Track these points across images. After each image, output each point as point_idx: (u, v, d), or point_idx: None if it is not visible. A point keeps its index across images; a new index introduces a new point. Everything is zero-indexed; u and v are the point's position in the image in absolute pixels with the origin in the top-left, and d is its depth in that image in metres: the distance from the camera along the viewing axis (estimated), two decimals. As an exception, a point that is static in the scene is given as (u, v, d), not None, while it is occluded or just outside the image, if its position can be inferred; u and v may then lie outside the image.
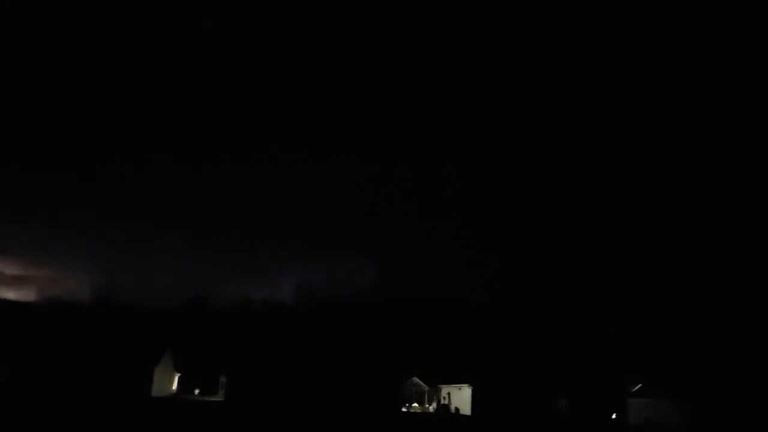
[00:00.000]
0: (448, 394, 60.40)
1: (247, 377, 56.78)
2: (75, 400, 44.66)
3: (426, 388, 62.32)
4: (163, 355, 57.96)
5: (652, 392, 55.15)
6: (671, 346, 68.63)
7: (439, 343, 73.62)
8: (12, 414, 32.85)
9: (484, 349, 69.50)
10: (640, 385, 56.53)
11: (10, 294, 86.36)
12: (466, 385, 57.41)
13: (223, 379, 61.27)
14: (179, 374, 64.36)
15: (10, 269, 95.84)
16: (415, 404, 60.79)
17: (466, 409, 56.66)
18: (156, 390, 55.44)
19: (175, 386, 63.67)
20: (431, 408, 60.84)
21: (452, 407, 58.45)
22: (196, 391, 64.41)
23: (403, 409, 57.84)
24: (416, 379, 61.65)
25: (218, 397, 59.69)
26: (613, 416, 57.12)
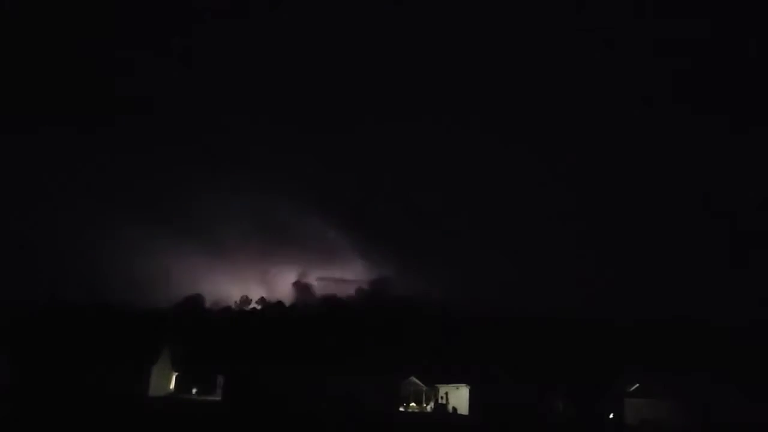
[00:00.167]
0: (446, 393, 60.42)
1: (245, 377, 56.71)
2: (72, 399, 44.59)
3: (424, 387, 62.33)
4: (160, 354, 57.87)
5: (650, 392, 55.18)
6: (669, 346, 68.67)
7: (437, 342, 73.58)
8: (10, 414, 32.77)
9: (482, 349, 69.50)
10: (637, 385, 56.57)
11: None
12: (464, 384, 57.42)
13: (220, 379, 61.21)
14: (176, 373, 64.25)
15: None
16: (413, 404, 60.80)
17: (463, 408, 56.68)
18: (153, 389, 55.34)
19: (172, 386, 63.56)
20: (429, 407, 60.87)
21: (450, 407, 58.49)
22: (194, 391, 64.32)
23: (401, 409, 57.85)
24: (414, 379, 61.66)
25: (216, 397, 59.63)
26: (611, 416, 57.17)
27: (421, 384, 61.99)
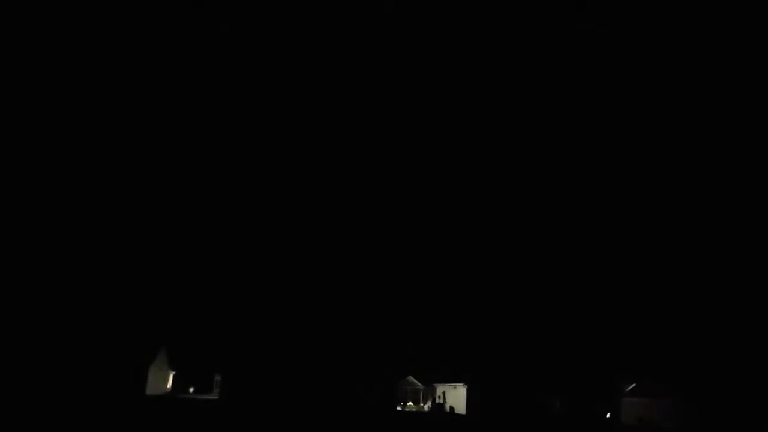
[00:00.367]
0: (443, 393, 60.53)
1: (242, 375, 56.74)
2: (69, 399, 44.54)
3: (421, 387, 62.46)
4: (157, 353, 57.85)
5: (647, 392, 55.36)
6: (666, 345, 68.82)
7: (434, 342, 73.68)
8: (5, 414, 32.71)
9: (480, 348, 69.61)
10: (634, 385, 56.74)
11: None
12: (461, 384, 57.58)
13: (218, 378, 61.23)
14: (174, 372, 64.24)
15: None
16: (410, 403, 60.91)
17: (460, 408, 56.81)
18: (150, 389, 55.34)
19: (169, 385, 63.57)
20: (426, 407, 60.97)
21: (447, 406, 58.58)
22: (191, 390, 64.35)
23: (398, 408, 57.95)
24: (411, 378, 61.77)
25: (213, 396, 59.66)
26: (608, 416, 57.35)
27: (419, 383, 62.10)
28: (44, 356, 54.26)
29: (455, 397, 58.20)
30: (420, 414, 55.84)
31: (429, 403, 61.56)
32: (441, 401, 60.17)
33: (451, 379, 59.70)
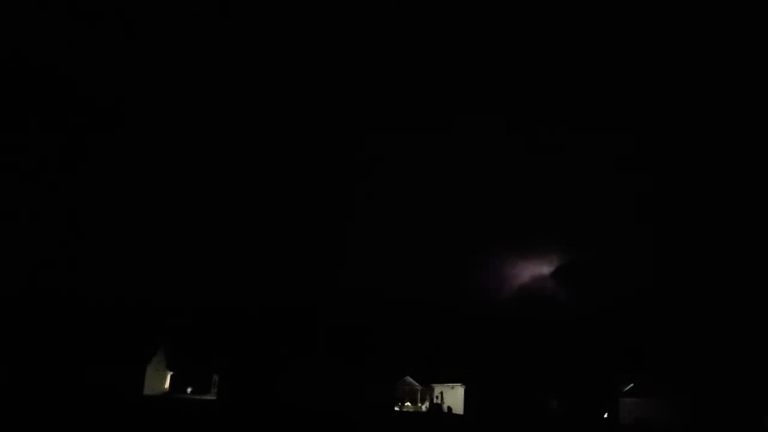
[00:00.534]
0: (441, 393, 60.57)
1: (240, 375, 56.71)
2: (66, 398, 44.48)
3: (419, 387, 62.50)
4: (155, 353, 57.78)
5: (644, 392, 55.48)
6: (664, 345, 68.97)
7: (432, 342, 73.76)
8: (4, 414, 32.67)
9: (477, 348, 69.69)
10: (631, 385, 56.84)
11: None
12: (459, 384, 57.62)
13: (215, 378, 61.18)
14: (171, 372, 64.17)
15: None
16: (408, 403, 60.95)
17: (458, 408, 56.83)
18: (148, 388, 55.27)
19: (167, 385, 63.49)
20: (424, 407, 61.00)
21: (445, 406, 58.61)
22: (189, 390, 64.28)
23: (396, 408, 57.96)
24: (409, 379, 61.81)
25: (211, 396, 59.61)
26: (605, 416, 57.44)
27: (416, 384, 62.13)
28: (43, 356, 54.21)
29: (453, 397, 58.24)
30: (418, 414, 55.87)
31: (427, 404, 61.59)
32: (439, 401, 60.21)
33: (449, 379, 59.74)
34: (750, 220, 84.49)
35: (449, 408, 57.87)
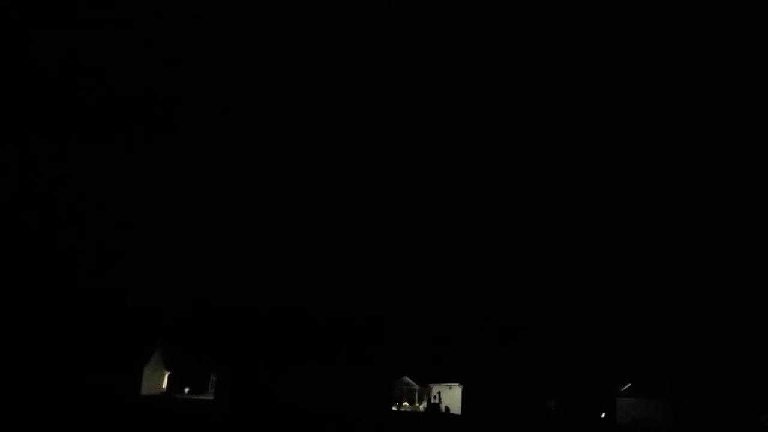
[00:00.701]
0: (439, 393, 60.61)
1: (238, 375, 56.65)
2: (64, 399, 44.39)
3: (416, 387, 62.51)
4: (152, 353, 57.72)
5: (642, 392, 55.58)
6: (661, 345, 69.09)
7: (430, 342, 73.76)
8: (1, 414, 32.58)
9: (475, 349, 69.75)
10: (629, 385, 56.94)
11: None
12: (457, 384, 57.64)
13: (213, 378, 61.13)
14: (169, 372, 64.10)
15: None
16: (406, 403, 60.96)
17: (456, 408, 56.88)
18: (145, 389, 55.21)
19: (164, 385, 63.41)
20: (422, 407, 61.01)
21: (442, 406, 58.65)
22: (186, 390, 64.20)
23: (394, 408, 57.96)
24: (407, 378, 61.81)
25: (208, 396, 59.55)
26: (602, 415, 57.52)
27: (414, 383, 62.14)
28: (40, 356, 54.10)
29: (451, 397, 58.29)
30: (415, 414, 55.89)
31: (424, 403, 61.61)
32: (436, 401, 60.24)
33: (447, 379, 59.78)
34: (748, 221, 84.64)
35: (447, 408, 57.91)
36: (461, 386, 57.03)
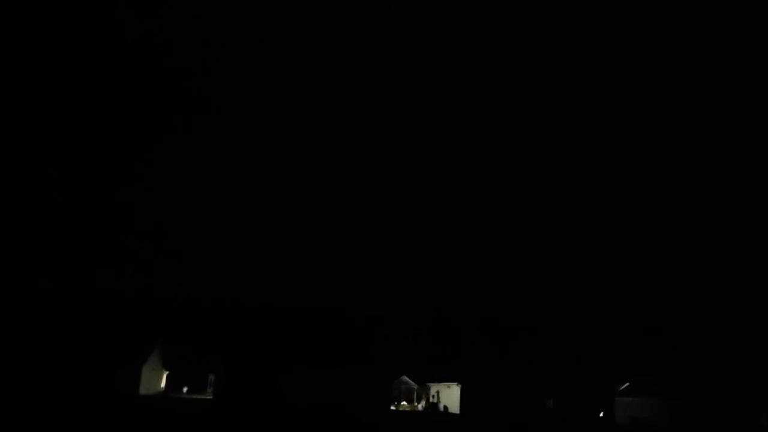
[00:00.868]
0: (437, 392, 60.65)
1: (236, 375, 56.66)
2: (61, 398, 44.38)
3: (415, 386, 62.54)
4: (151, 352, 57.70)
5: (640, 391, 55.65)
6: (660, 345, 69.20)
7: (428, 341, 73.82)
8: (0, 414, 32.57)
9: (473, 348, 69.80)
10: (627, 384, 57.01)
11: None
12: (455, 383, 57.68)
13: (211, 377, 61.13)
14: (167, 372, 64.09)
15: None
16: (404, 402, 60.99)
17: (454, 407, 56.91)
18: (144, 388, 55.20)
19: (163, 384, 63.41)
20: (420, 406, 61.05)
21: (441, 406, 58.70)
22: (185, 389, 64.18)
23: (392, 408, 57.99)
24: (405, 378, 61.84)
25: (207, 395, 59.55)
26: (601, 414, 57.56)
27: (413, 383, 62.17)
28: (39, 355, 54.04)
29: (449, 396, 58.31)
30: (414, 413, 55.92)
31: (423, 403, 61.65)
32: (435, 400, 60.29)
33: (446, 378, 59.81)
34: (747, 221, 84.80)
35: (445, 407, 57.96)
36: (460, 385, 57.06)
